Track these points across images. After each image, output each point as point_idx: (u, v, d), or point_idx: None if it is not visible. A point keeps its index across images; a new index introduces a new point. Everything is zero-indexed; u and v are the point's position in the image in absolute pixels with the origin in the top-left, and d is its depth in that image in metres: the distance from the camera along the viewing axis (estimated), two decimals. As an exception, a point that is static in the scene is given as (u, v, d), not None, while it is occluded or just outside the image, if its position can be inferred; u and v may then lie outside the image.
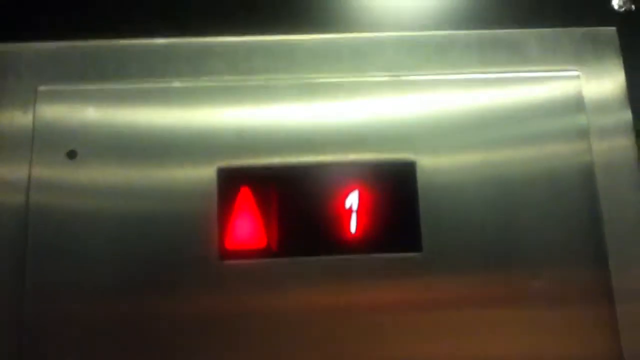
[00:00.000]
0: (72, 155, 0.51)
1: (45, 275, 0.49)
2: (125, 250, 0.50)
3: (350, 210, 0.52)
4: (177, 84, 0.54)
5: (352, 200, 0.52)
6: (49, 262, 0.49)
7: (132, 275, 0.49)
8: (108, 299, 0.49)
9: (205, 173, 0.51)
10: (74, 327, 0.48)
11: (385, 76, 0.55)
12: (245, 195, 0.52)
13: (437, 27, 0.56)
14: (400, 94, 0.54)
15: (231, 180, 0.52)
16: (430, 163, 0.53)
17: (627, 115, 0.54)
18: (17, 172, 0.50)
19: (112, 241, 0.50)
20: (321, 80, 0.55)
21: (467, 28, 0.56)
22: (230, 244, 0.50)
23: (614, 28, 0.56)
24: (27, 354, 0.47)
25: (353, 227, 0.52)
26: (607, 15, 0.57)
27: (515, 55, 0.56)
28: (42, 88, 0.52)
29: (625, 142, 0.54)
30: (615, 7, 0.57)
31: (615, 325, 0.50)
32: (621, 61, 0.55)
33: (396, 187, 0.53)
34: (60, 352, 0.48)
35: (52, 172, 0.51)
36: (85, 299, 0.49)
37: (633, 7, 0.57)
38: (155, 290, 0.49)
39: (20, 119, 0.52)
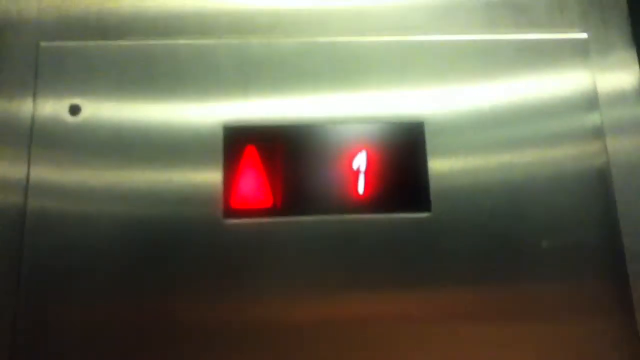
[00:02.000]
0: (75, 110, 0.50)
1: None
2: (130, 209, 0.49)
3: (357, 171, 0.51)
4: (182, 41, 0.53)
5: (360, 160, 0.51)
6: (50, 221, 0.48)
7: (136, 236, 0.48)
8: (113, 257, 0.48)
9: (212, 131, 0.50)
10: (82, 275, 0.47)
11: (391, 36, 0.54)
12: (251, 154, 0.51)
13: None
14: (406, 54, 0.54)
15: (237, 139, 0.51)
16: (439, 123, 0.52)
17: (636, 74, 0.54)
18: (19, 128, 0.49)
19: (116, 199, 0.49)
20: (325, 40, 0.54)
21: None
22: (235, 203, 0.49)
23: (622, -11, 0.56)
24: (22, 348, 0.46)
25: (361, 188, 0.51)
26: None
27: (522, 17, 0.55)
28: (44, 44, 0.51)
29: (635, 107, 0.54)
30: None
31: (635, 335, 0.49)
32: (629, 23, 0.55)
33: (404, 148, 0.52)
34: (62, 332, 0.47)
35: (54, 130, 0.50)
36: (90, 257, 0.48)
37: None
38: (160, 251, 0.48)
39: (22, 75, 0.51)
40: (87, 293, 0.47)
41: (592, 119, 0.53)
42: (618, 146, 0.53)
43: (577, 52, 0.55)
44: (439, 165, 0.51)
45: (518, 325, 0.49)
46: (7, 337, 0.46)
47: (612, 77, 0.54)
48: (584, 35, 0.55)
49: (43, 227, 0.48)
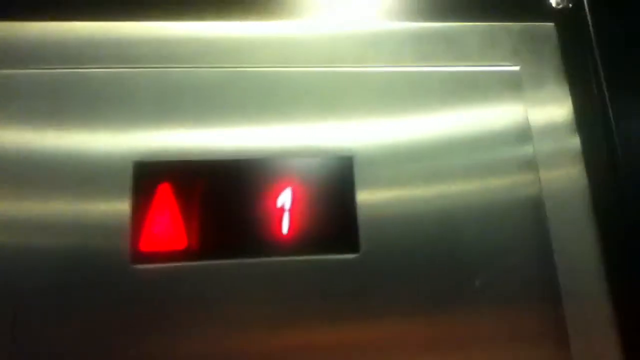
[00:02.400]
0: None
1: None
2: (30, 250, 0.44)
3: (282, 209, 0.47)
4: (95, 69, 0.48)
5: (285, 198, 0.48)
6: None
7: (35, 280, 0.43)
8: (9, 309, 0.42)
9: (121, 166, 0.46)
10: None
11: (319, 67, 0.52)
12: (164, 192, 0.46)
13: (372, 19, 0.54)
14: (335, 85, 0.51)
15: (149, 175, 0.46)
16: (368, 157, 0.49)
17: (568, 107, 0.53)
18: None
19: (15, 240, 0.44)
20: (249, 69, 0.51)
21: (404, 19, 0.54)
22: (144, 246, 0.45)
23: (552, 24, 0.55)
24: None
25: (285, 227, 0.47)
26: (545, 13, 0.56)
27: (453, 50, 0.54)
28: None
29: (565, 133, 0.53)
30: (553, 4, 0.56)
31: None
32: (560, 56, 0.54)
33: (332, 184, 0.49)
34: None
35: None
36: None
37: (570, 4, 0.56)
38: (67, 299, 0.43)
39: None
40: None
41: (525, 150, 0.51)
42: (551, 178, 0.51)
43: (509, 85, 0.53)
44: (368, 201, 0.48)
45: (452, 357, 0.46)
46: None
47: (544, 110, 0.53)
48: (516, 68, 0.54)
49: None
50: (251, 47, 0.52)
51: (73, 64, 0.49)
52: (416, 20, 0.54)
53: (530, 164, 0.51)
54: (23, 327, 0.42)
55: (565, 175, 0.52)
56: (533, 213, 0.50)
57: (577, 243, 0.50)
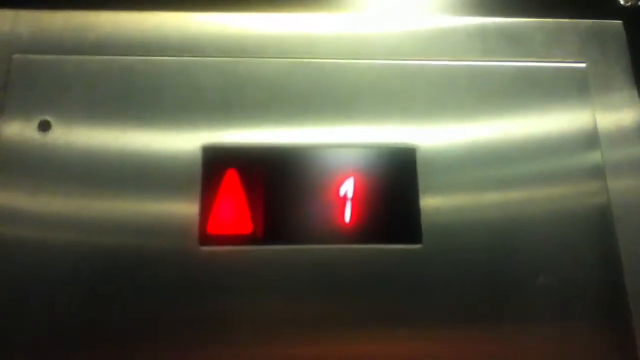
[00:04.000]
0: (44, 127, 0.47)
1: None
2: (97, 237, 0.45)
3: (345, 197, 0.48)
4: (162, 57, 0.50)
5: (347, 187, 0.48)
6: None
7: (106, 262, 0.45)
8: (83, 286, 0.44)
9: (190, 152, 0.47)
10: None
11: (383, 60, 0.52)
12: (231, 178, 0.47)
13: (438, 12, 0.54)
14: (399, 79, 0.51)
15: (217, 161, 0.47)
16: (431, 151, 0.49)
17: (637, 112, 0.52)
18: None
19: (82, 226, 0.45)
20: (314, 61, 0.51)
21: (468, 14, 0.54)
22: (212, 229, 0.46)
23: (620, 22, 0.54)
24: None
25: (347, 216, 0.47)
26: (613, 10, 0.55)
27: (518, 47, 0.54)
28: (16, 57, 0.49)
29: (634, 138, 0.52)
30: (622, 1, 0.55)
31: None
32: (628, 54, 0.53)
33: (395, 175, 0.49)
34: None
35: (20, 147, 0.46)
36: (47, 289, 0.44)
37: (639, 2, 0.55)
38: (133, 278, 0.44)
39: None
40: (40, 330, 0.43)
41: (593, 157, 0.50)
42: (619, 187, 0.50)
43: (576, 83, 0.53)
44: (431, 194, 0.48)
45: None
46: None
47: (613, 114, 0.52)
48: (582, 65, 0.53)
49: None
50: (315, 40, 0.52)
51: (142, 53, 0.51)
52: (481, 15, 0.54)
53: (598, 171, 0.50)
54: (94, 307, 0.44)
55: (635, 184, 0.50)
56: (600, 223, 0.49)
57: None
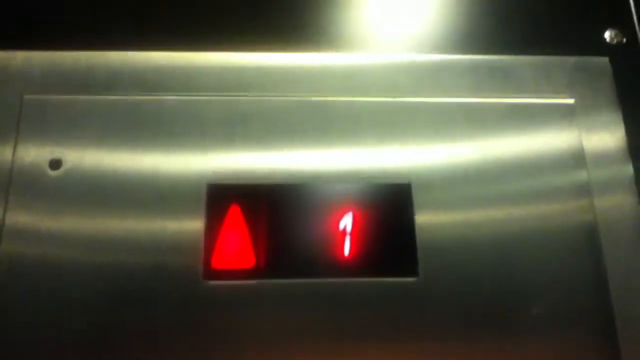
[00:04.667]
0: (56, 165, 0.49)
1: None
2: (106, 262, 0.47)
3: (344, 232, 0.50)
4: (169, 97, 0.52)
5: (347, 221, 0.50)
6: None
7: (111, 294, 0.46)
8: (85, 318, 0.46)
9: (195, 188, 0.49)
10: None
11: (379, 97, 0.54)
12: (234, 213, 0.49)
13: (431, 51, 0.56)
14: (394, 115, 0.54)
15: (221, 197, 0.49)
16: (426, 184, 0.52)
17: (623, 142, 0.54)
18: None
19: (91, 255, 0.47)
20: (314, 99, 0.54)
21: (461, 53, 0.56)
22: (216, 263, 0.48)
23: (606, 58, 0.57)
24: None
25: (347, 250, 0.49)
26: (600, 47, 0.58)
27: (508, 82, 0.56)
28: (27, 97, 0.51)
29: (621, 162, 0.54)
30: (607, 39, 0.58)
31: None
32: (614, 90, 0.56)
33: (391, 209, 0.51)
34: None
35: (34, 181, 0.48)
36: (60, 317, 0.45)
37: (624, 39, 0.57)
38: (137, 311, 0.46)
39: (4, 127, 0.50)
40: (55, 346, 0.45)
41: (579, 177, 0.53)
42: (605, 204, 0.52)
43: (564, 116, 0.55)
44: (426, 227, 0.50)
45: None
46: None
47: (598, 137, 0.54)
48: (571, 101, 0.55)
49: (16, 273, 0.46)
50: (313, 78, 0.55)
51: (148, 92, 0.53)
52: (472, 53, 0.56)
53: (585, 191, 0.52)
54: (101, 342, 0.46)
55: (620, 202, 0.52)
56: (587, 240, 0.51)
57: (633, 271, 0.51)
